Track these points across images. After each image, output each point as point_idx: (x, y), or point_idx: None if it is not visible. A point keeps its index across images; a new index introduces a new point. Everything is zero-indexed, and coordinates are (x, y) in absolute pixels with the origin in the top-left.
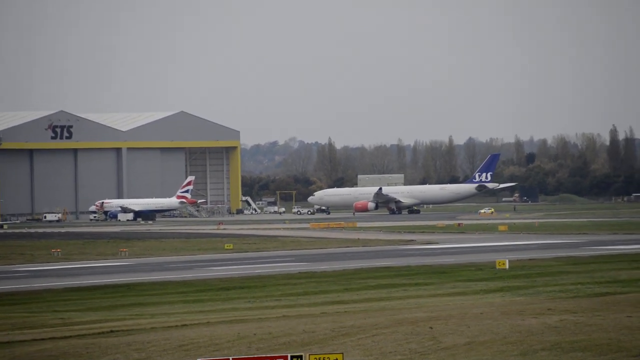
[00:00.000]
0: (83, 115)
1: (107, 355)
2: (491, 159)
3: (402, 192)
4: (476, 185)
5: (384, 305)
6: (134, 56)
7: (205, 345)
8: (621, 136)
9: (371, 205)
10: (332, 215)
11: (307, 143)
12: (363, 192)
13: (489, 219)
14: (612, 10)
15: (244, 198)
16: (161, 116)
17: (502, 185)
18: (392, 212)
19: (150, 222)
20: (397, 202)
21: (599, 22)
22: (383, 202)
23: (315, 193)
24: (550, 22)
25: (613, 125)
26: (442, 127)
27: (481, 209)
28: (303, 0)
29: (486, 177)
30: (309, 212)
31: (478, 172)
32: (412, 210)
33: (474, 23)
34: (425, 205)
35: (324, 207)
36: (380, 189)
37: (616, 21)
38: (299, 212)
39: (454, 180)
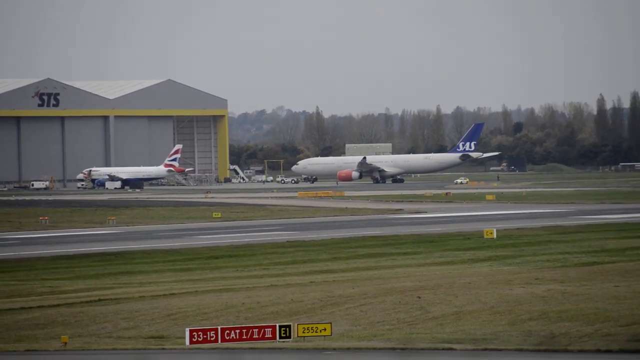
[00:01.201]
0: (70, 83)
1: (95, 324)
2: (475, 128)
3: (386, 161)
4: (460, 154)
5: (372, 275)
6: (121, 24)
7: (194, 314)
8: (609, 105)
9: (355, 174)
10: (316, 185)
11: (295, 112)
12: (347, 161)
13: (477, 188)
14: None
15: (231, 167)
16: (149, 84)
17: (485, 155)
18: (376, 181)
19: (137, 190)
20: (381, 171)
21: None
22: (367, 171)
23: (298, 162)
24: None
25: (600, 94)
26: (430, 97)
27: (457, 179)
28: None
29: (470, 147)
30: (293, 181)
31: (462, 141)
32: (396, 179)
33: None
34: (413, 175)
35: (307, 176)
36: (365, 158)
37: None
38: (282, 181)
39: (441, 149)
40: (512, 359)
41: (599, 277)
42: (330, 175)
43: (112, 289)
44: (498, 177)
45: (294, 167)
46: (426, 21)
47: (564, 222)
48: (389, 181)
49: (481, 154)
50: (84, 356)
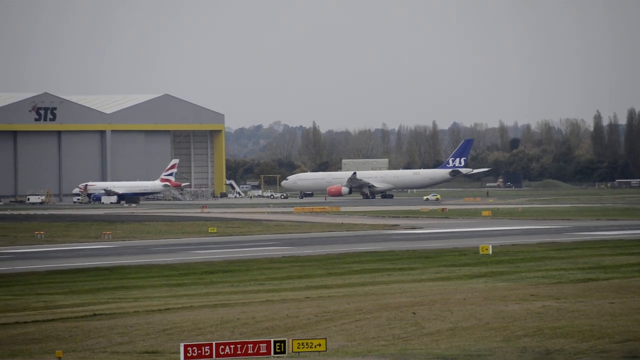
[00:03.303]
0: (67, 98)
1: (90, 339)
2: (465, 144)
3: (376, 176)
4: (450, 170)
5: (368, 290)
6: (119, 39)
7: (189, 329)
8: (605, 122)
9: (345, 189)
10: (306, 200)
11: (292, 127)
12: (337, 176)
13: (474, 204)
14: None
15: (228, 181)
16: (145, 99)
17: (476, 170)
18: (366, 196)
19: (133, 205)
20: (371, 186)
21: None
22: (357, 186)
23: (288, 177)
24: (536, 8)
25: (597, 111)
26: (427, 113)
27: (425, 195)
28: None
29: (460, 162)
30: (282, 196)
31: (452, 157)
32: (386, 195)
33: (458, 10)
34: (409, 190)
35: (302, 192)
36: (355, 173)
37: (601, 9)
38: (271, 196)
39: (438, 165)
40: None
41: (595, 293)
42: (320, 191)
43: (107, 303)
44: (487, 194)
45: (283, 183)
46: (423, 37)
47: (559, 238)
48: (378, 196)
49: (471, 169)
50: None
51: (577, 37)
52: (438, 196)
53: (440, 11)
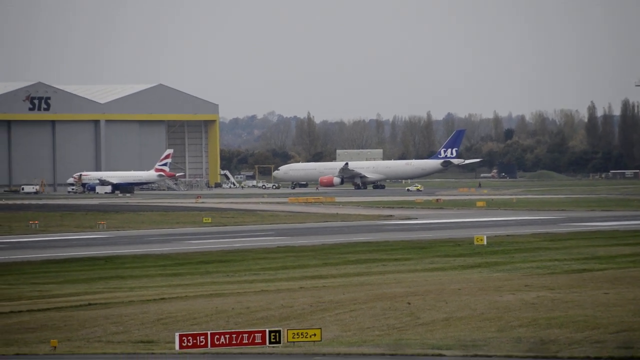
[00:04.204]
0: (61, 87)
1: (85, 328)
2: (456, 134)
3: (368, 167)
4: (442, 161)
5: (363, 280)
6: (113, 28)
7: (184, 319)
8: (599, 113)
9: (337, 180)
10: (298, 190)
11: (286, 117)
12: (329, 167)
13: (468, 195)
14: None
15: (222, 172)
16: (140, 89)
17: (468, 161)
18: (357, 187)
19: (128, 194)
20: (363, 177)
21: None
22: (348, 177)
23: (280, 167)
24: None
25: (591, 101)
26: (421, 103)
27: (408, 186)
28: None
29: (451, 153)
30: (274, 187)
31: (443, 147)
32: (377, 185)
33: (452, 1)
34: (403, 181)
35: (295, 182)
36: (347, 164)
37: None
38: (263, 186)
39: (432, 155)
40: None
41: (589, 284)
42: (312, 181)
43: (102, 293)
44: (480, 184)
45: (275, 173)
46: (417, 27)
47: (554, 229)
48: (370, 187)
49: (463, 160)
50: None
51: (572, 28)
52: (419, 186)
53: (434, 2)
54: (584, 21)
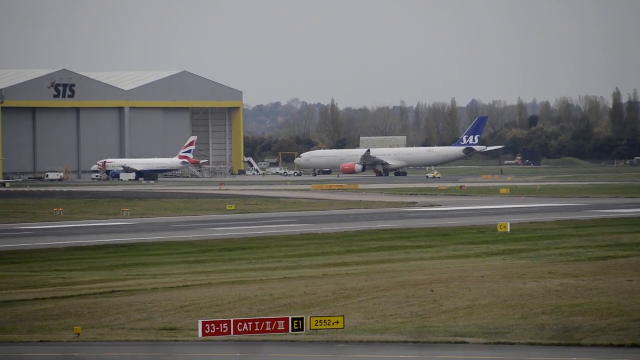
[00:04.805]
0: (85, 74)
1: (108, 315)
2: (479, 121)
3: (389, 154)
4: (463, 147)
5: (386, 268)
6: (137, 15)
7: (207, 306)
8: (624, 99)
9: (358, 167)
10: (319, 177)
11: (310, 104)
12: (350, 154)
13: (492, 182)
14: None
15: (246, 159)
16: (164, 75)
17: (489, 148)
18: (379, 174)
19: (152, 181)
20: (384, 164)
21: None
22: (370, 164)
23: (301, 154)
24: None
25: (616, 88)
26: (445, 90)
27: (429, 173)
28: None
29: (474, 140)
30: (296, 174)
31: (465, 134)
32: (399, 172)
33: None
34: (427, 168)
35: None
36: (368, 150)
37: None
38: (285, 173)
39: (455, 142)
40: (525, 352)
41: (613, 271)
42: (334, 168)
43: (125, 280)
44: (501, 171)
45: (296, 160)
46: (441, 15)
47: (577, 216)
48: (392, 174)
49: (484, 147)
50: (96, 347)
51: (598, 14)
52: (435, 173)
53: None
54: (610, 6)
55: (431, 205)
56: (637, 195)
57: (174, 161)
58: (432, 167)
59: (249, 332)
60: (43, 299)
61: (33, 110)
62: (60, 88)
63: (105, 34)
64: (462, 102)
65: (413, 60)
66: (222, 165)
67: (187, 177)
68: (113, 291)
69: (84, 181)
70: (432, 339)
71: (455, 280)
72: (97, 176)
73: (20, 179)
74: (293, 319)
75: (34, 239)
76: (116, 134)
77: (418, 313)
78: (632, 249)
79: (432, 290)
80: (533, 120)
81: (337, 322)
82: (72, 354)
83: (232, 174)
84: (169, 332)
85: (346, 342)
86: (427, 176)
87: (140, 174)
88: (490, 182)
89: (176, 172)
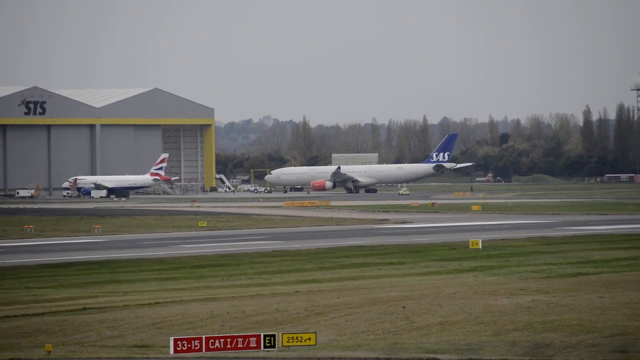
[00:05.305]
0: (57, 92)
1: (80, 333)
2: (449, 138)
3: (360, 171)
4: (434, 165)
5: (358, 285)
6: (109, 32)
7: (179, 323)
8: (595, 117)
9: (329, 184)
10: (292, 194)
11: (282, 121)
12: (320, 170)
13: (464, 199)
14: None
15: (217, 176)
16: (135, 93)
17: (459, 165)
18: (350, 191)
19: (123, 199)
20: (355, 181)
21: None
22: (341, 181)
23: (272, 171)
24: (528, 3)
25: (587, 106)
26: (417, 107)
27: (400, 190)
28: None
29: (444, 157)
30: (266, 191)
31: (436, 151)
32: (369, 189)
33: (448, 5)
34: (398, 185)
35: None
36: (339, 168)
37: (590, 4)
38: (255, 190)
39: (426, 159)
40: None
41: (584, 288)
42: (305, 185)
43: (96, 297)
44: (472, 188)
45: (267, 177)
46: (414, 32)
47: (549, 233)
48: (362, 191)
49: (455, 164)
50: None
51: (568, 34)
52: (404, 190)
53: (430, 7)
54: (580, 26)
55: (403, 222)
56: (608, 212)
57: (145, 178)
58: (403, 184)
59: (221, 349)
60: (14, 316)
61: (4, 127)
62: (31, 105)
63: (77, 51)
64: (434, 120)
65: (385, 78)
66: (194, 183)
67: (159, 194)
68: (84, 308)
69: (55, 198)
70: (404, 355)
71: (427, 297)
72: (68, 193)
73: None
74: (265, 336)
75: (4, 256)
76: (87, 151)
77: (390, 330)
78: (603, 266)
79: (404, 307)
80: (504, 138)
81: (310, 338)
82: None
83: (204, 191)
84: (141, 349)
85: (318, 359)
86: (399, 193)
87: (111, 191)
88: (462, 199)
89: (148, 190)
